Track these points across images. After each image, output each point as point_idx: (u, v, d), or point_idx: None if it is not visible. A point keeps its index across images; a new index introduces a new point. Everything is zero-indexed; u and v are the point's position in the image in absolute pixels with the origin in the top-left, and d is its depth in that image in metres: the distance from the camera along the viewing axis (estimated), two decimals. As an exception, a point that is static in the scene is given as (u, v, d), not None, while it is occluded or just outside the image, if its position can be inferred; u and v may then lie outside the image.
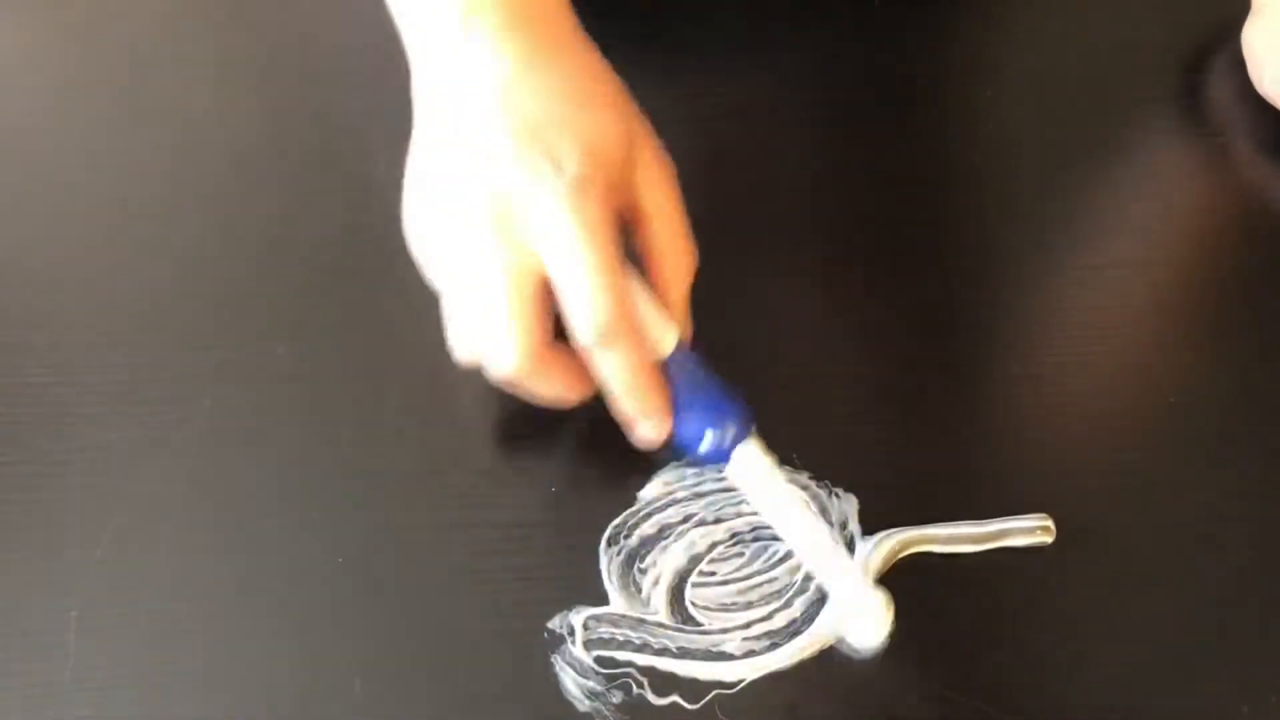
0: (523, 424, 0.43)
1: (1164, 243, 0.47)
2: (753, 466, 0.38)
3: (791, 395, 0.43)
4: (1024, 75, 0.53)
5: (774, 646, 0.38)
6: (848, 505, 0.40)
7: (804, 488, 0.40)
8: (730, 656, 0.37)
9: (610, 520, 0.40)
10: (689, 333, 0.40)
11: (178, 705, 0.37)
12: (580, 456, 0.42)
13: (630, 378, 0.37)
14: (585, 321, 0.36)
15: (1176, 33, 0.53)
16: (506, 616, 0.38)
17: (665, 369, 0.38)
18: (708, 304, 0.44)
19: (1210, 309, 0.46)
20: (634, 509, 0.40)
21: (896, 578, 0.39)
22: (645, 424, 0.38)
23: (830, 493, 0.40)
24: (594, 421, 0.43)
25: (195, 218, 0.48)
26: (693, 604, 0.39)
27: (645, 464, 0.41)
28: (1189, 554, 0.40)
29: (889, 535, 0.39)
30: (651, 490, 0.40)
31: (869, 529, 0.40)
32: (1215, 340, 0.45)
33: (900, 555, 0.39)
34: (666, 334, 0.38)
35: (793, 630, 0.38)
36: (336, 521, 0.40)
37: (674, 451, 0.39)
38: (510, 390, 0.39)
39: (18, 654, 0.38)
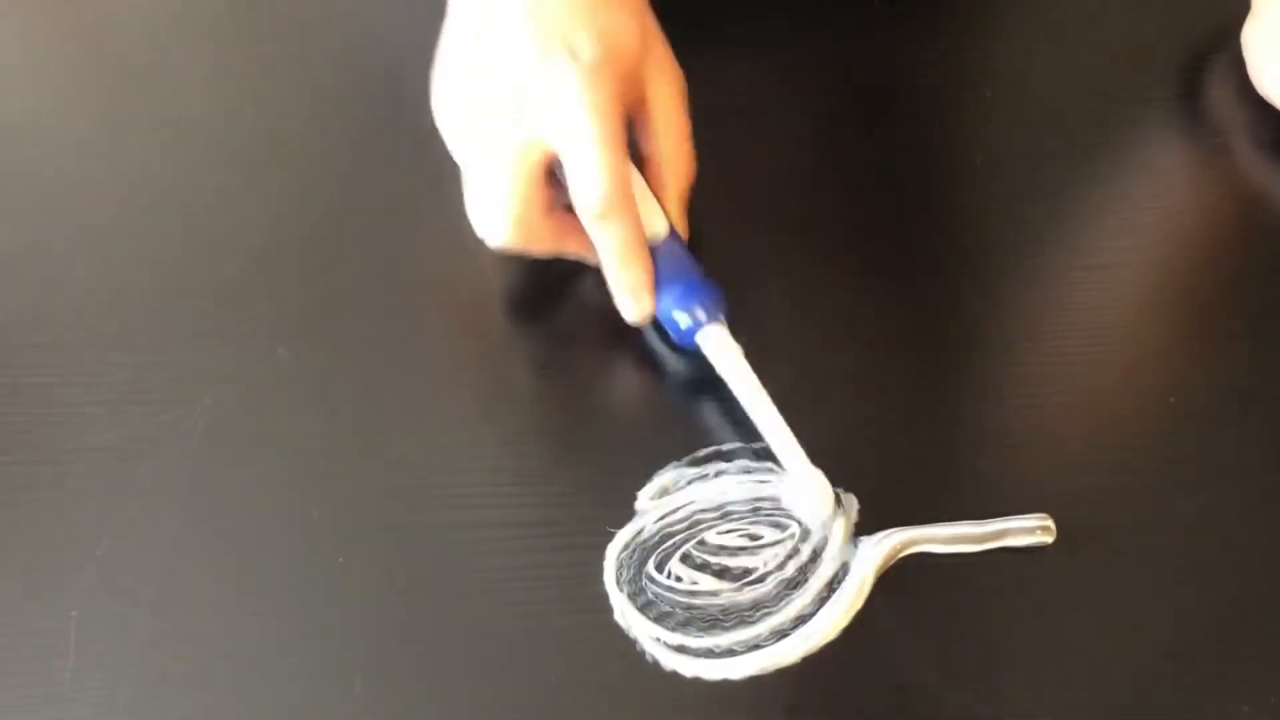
0: (523, 424, 0.43)
1: (1164, 243, 0.47)
2: (718, 347, 0.41)
3: (791, 395, 0.43)
4: (1024, 76, 0.53)
5: (781, 638, 0.38)
6: (848, 505, 0.40)
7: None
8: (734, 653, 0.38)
9: (609, 522, 0.40)
10: (684, 230, 0.43)
11: (178, 705, 0.37)
12: (581, 457, 0.42)
13: (624, 249, 0.40)
14: (588, 193, 0.39)
15: (1176, 33, 0.53)
16: (507, 616, 0.38)
17: (654, 250, 0.42)
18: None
19: (1210, 309, 0.46)
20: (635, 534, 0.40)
21: (896, 578, 0.39)
22: (631, 298, 0.41)
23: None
24: (595, 422, 0.43)
25: (195, 218, 0.48)
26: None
27: (645, 465, 0.41)
28: (1189, 554, 0.40)
29: (889, 535, 0.39)
30: (650, 491, 0.40)
31: (869, 529, 0.40)
32: (1215, 340, 0.45)
33: (900, 555, 0.39)
34: (656, 219, 0.42)
35: (801, 619, 0.38)
36: (336, 521, 0.40)
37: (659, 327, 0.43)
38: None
39: (18, 654, 0.38)
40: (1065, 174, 0.48)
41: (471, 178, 0.41)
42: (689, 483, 0.41)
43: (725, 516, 0.40)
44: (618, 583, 0.39)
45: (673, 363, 0.43)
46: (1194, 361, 0.44)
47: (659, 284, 0.42)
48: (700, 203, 0.44)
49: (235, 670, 0.37)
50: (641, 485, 0.41)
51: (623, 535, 0.40)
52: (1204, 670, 0.37)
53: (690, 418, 0.42)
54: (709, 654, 0.38)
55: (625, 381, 0.44)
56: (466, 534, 0.40)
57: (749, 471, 0.41)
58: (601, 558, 0.39)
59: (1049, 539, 0.39)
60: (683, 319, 0.41)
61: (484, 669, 0.38)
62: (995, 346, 0.44)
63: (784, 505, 0.40)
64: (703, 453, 0.41)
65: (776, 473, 0.41)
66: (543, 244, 0.42)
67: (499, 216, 0.41)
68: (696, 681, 0.37)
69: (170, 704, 0.37)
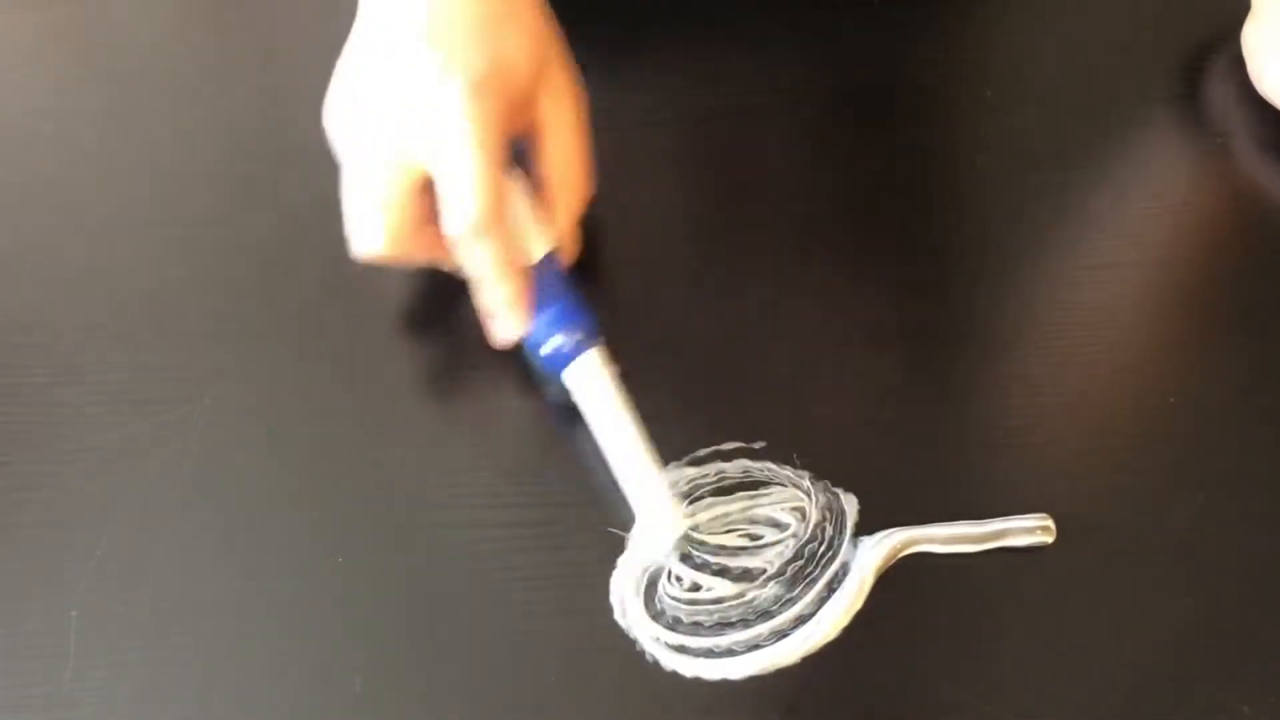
0: (523, 424, 0.43)
1: (1164, 243, 0.47)
2: (590, 375, 0.40)
3: (790, 395, 0.43)
4: (1024, 75, 0.53)
5: (780, 638, 0.38)
6: (848, 505, 0.40)
7: (806, 491, 0.40)
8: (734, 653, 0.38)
9: (608, 524, 0.40)
10: (572, 252, 0.43)
11: (178, 705, 0.37)
12: (581, 457, 0.42)
13: (494, 271, 0.40)
14: (456, 213, 0.39)
15: (1176, 33, 0.53)
16: (506, 616, 0.38)
17: (531, 272, 0.41)
18: (707, 303, 0.45)
19: (1210, 309, 0.46)
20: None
21: (897, 578, 0.39)
22: (503, 318, 0.41)
23: (831, 492, 0.40)
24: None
25: (195, 218, 0.48)
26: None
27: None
28: (1189, 554, 0.40)
29: (889, 535, 0.39)
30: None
31: (869, 529, 0.40)
32: (1215, 340, 0.45)
33: (900, 555, 0.39)
34: (537, 242, 0.41)
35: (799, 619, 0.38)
36: (336, 521, 0.40)
37: (528, 355, 0.42)
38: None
39: (18, 654, 0.38)
40: (1065, 174, 0.48)
41: (349, 185, 0.41)
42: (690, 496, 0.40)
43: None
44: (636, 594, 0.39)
45: (674, 362, 0.43)
46: (1194, 361, 0.44)
47: (537, 304, 0.41)
48: (698, 203, 0.44)
49: (235, 670, 0.37)
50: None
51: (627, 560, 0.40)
52: (1204, 670, 0.37)
53: (690, 417, 0.42)
54: (709, 654, 0.38)
55: (625, 381, 0.44)
56: (466, 534, 0.40)
57: (748, 483, 0.41)
58: (600, 558, 0.39)
59: (1049, 539, 0.39)
60: (554, 342, 0.40)
61: (484, 669, 0.38)
62: (995, 346, 0.44)
63: (630, 541, 0.39)
64: (703, 452, 0.41)
65: (774, 470, 0.40)
66: (413, 257, 0.42)
67: (372, 228, 0.40)
68: (696, 681, 0.37)
69: (170, 704, 0.37)
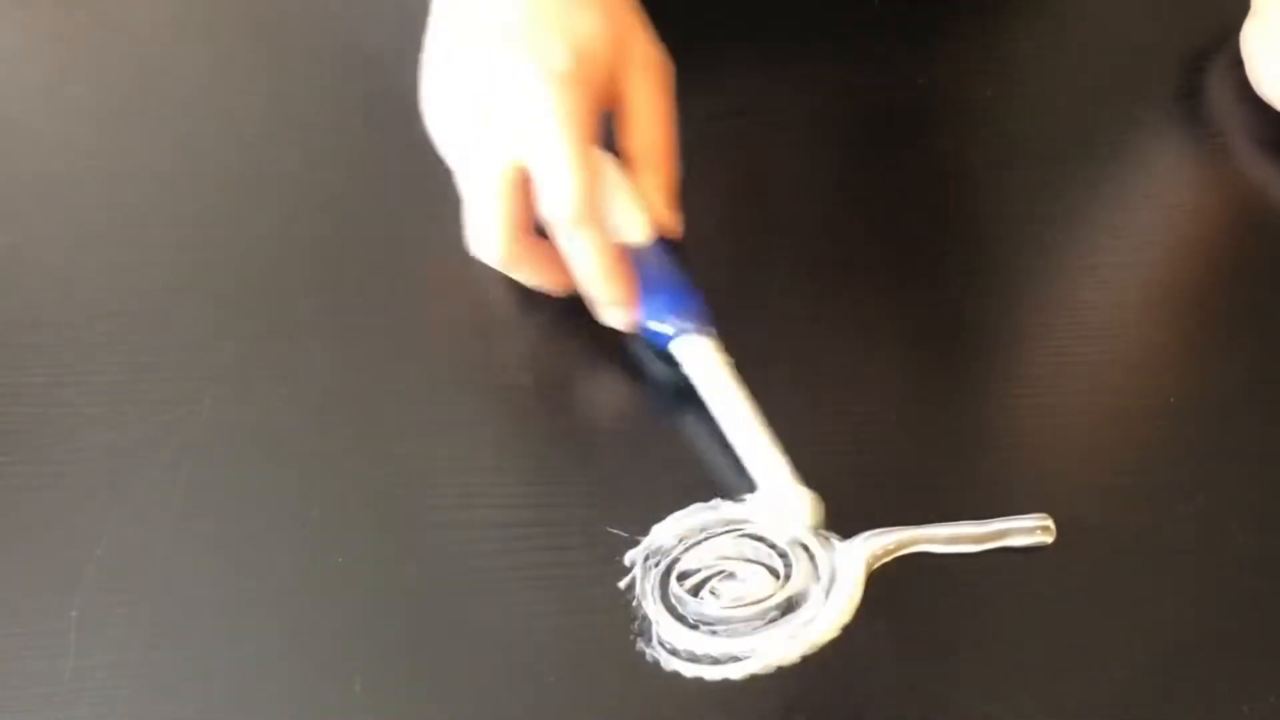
0: (523, 424, 0.43)
1: (1164, 243, 0.47)
2: (703, 358, 0.40)
3: (790, 395, 0.43)
4: (1024, 75, 0.53)
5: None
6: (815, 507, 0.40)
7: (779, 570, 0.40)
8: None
9: (609, 523, 0.40)
10: (674, 224, 0.43)
11: (178, 705, 0.37)
12: (581, 457, 0.42)
13: (596, 262, 0.40)
14: (553, 204, 0.39)
15: (1176, 33, 0.53)
16: (507, 616, 0.38)
17: (638, 255, 0.41)
18: (707, 303, 0.45)
19: (1210, 309, 0.46)
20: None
21: (897, 578, 0.39)
22: (609, 308, 0.41)
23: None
24: (596, 422, 0.43)
25: (196, 217, 0.48)
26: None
27: (645, 464, 0.41)
28: (1189, 554, 0.40)
29: (889, 534, 0.39)
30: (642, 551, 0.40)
31: (869, 528, 0.40)
32: (1215, 340, 0.45)
33: (900, 555, 0.39)
34: (637, 224, 0.41)
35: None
36: (336, 521, 0.40)
37: (641, 335, 0.42)
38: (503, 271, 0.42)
39: (18, 654, 0.38)
40: (1065, 174, 0.48)
41: (465, 188, 0.41)
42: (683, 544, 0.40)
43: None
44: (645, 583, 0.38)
45: (674, 363, 0.43)
46: (1194, 361, 0.44)
47: (650, 286, 0.41)
48: (699, 203, 0.44)
49: (235, 671, 0.37)
50: (641, 484, 0.41)
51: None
52: (1204, 670, 0.37)
53: (691, 416, 0.42)
54: (713, 661, 0.37)
55: (626, 381, 0.44)
56: (466, 534, 0.40)
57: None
58: (601, 558, 0.39)
59: (1049, 539, 0.39)
60: (662, 329, 0.41)
61: (484, 670, 0.38)
62: (995, 346, 0.44)
63: (758, 525, 0.39)
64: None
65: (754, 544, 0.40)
66: (528, 269, 0.42)
67: (489, 238, 0.41)
68: (696, 681, 0.37)
69: (170, 704, 0.37)
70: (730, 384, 0.40)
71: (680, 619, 0.38)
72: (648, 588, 0.39)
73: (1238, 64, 0.51)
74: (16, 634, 0.38)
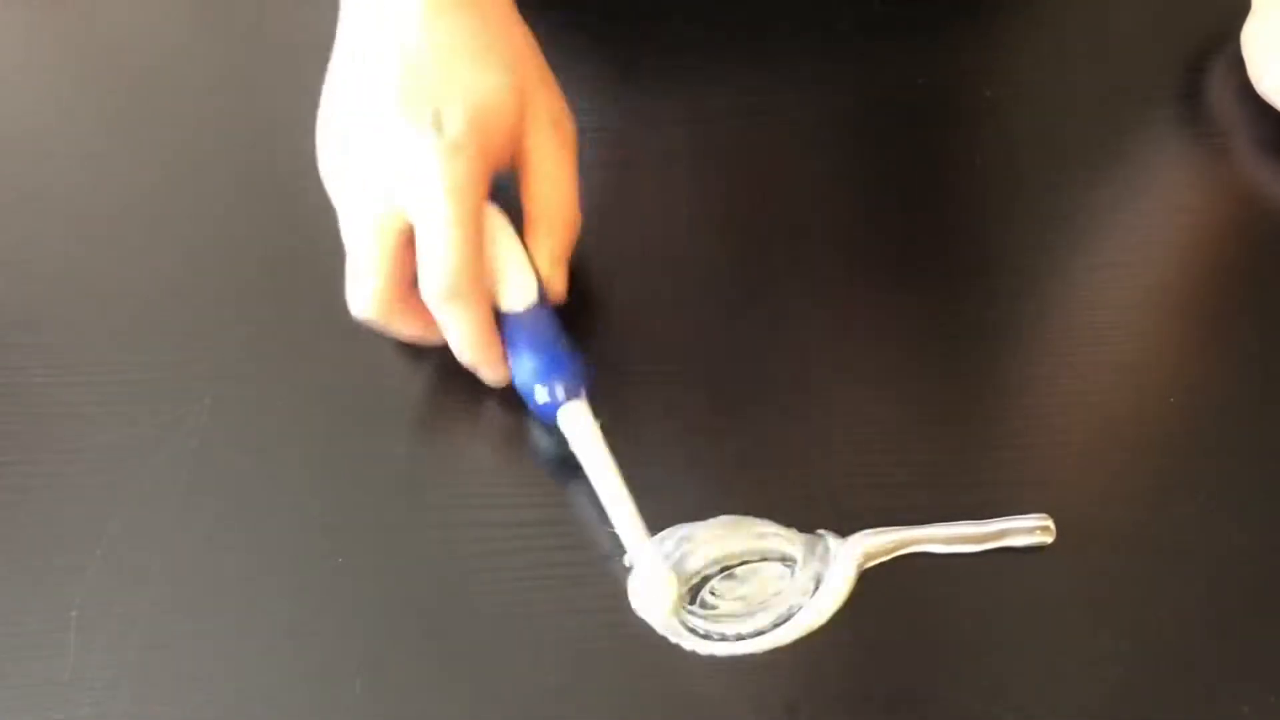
0: (523, 424, 0.43)
1: (1164, 243, 0.47)
2: (577, 425, 0.40)
3: (790, 395, 0.43)
4: (1024, 76, 0.53)
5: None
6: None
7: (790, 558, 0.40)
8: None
9: (609, 522, 0.40)
10: (560, 290, 0.42)
11: (178, 705, 0.37)
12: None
13: (464, 334, 0.40)
14: (430, 279, 0.38)
15: (1176, 33, 0.53)
16: (507, 617, 0.38)
17: (515, 321, 0.40)
18: (705, 303, 0.45)
19: (1210, 309, 0.46)
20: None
21: (897, 578, 0.39)
22: (482, 372, 0.41)
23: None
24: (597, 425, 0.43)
25: (195, 217, 0.48)
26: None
27: (645, 464, 0.41)
28: (1189, 554, 0.40)
29: (888, 534, 0.39)
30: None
31: (869, 528, 0.40)
32: (1215, 340, 0.45)
33: (900, 555, 0.39)
34: (522, 289, 0.41)
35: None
36: (336, 521, 0.40)
37: (520, 395, 0.41)
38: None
39: (18, 654, 0.38)
40: (1065, 174, 0.48)
41: (345, 238, 0.40)
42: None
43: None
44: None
45: (675, 361, 0.43)
46: (1194, 361, 0.44)
47: (518, 354, 0.40)
48: (699, 203, 0.44)
49: (235, 671, 0.37)
50: (641, 485, 0.41)
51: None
52: (1204, 670, 0.37)
53: (691, 417, 0.42)
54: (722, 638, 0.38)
55: (626, 381, 0.44)
56: (466, 534, 0.40)
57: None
58: (601, 558, 0.39)
59: (1049, 539, 0.39)
60: (540, 395, 0.40)
61: (484, 670, 0.38)
62: (995, 346, 0.44)
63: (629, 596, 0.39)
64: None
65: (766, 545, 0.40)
66: (402, 327, 0.41)
67: (365, 289, 0.39)
68: (696, 681, 0.37)
69: (170, 704, 0.37)
70: (602, 451, 0.40)
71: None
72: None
73: (1238, 64, 0.51)
74: (16, 634, 0.38)
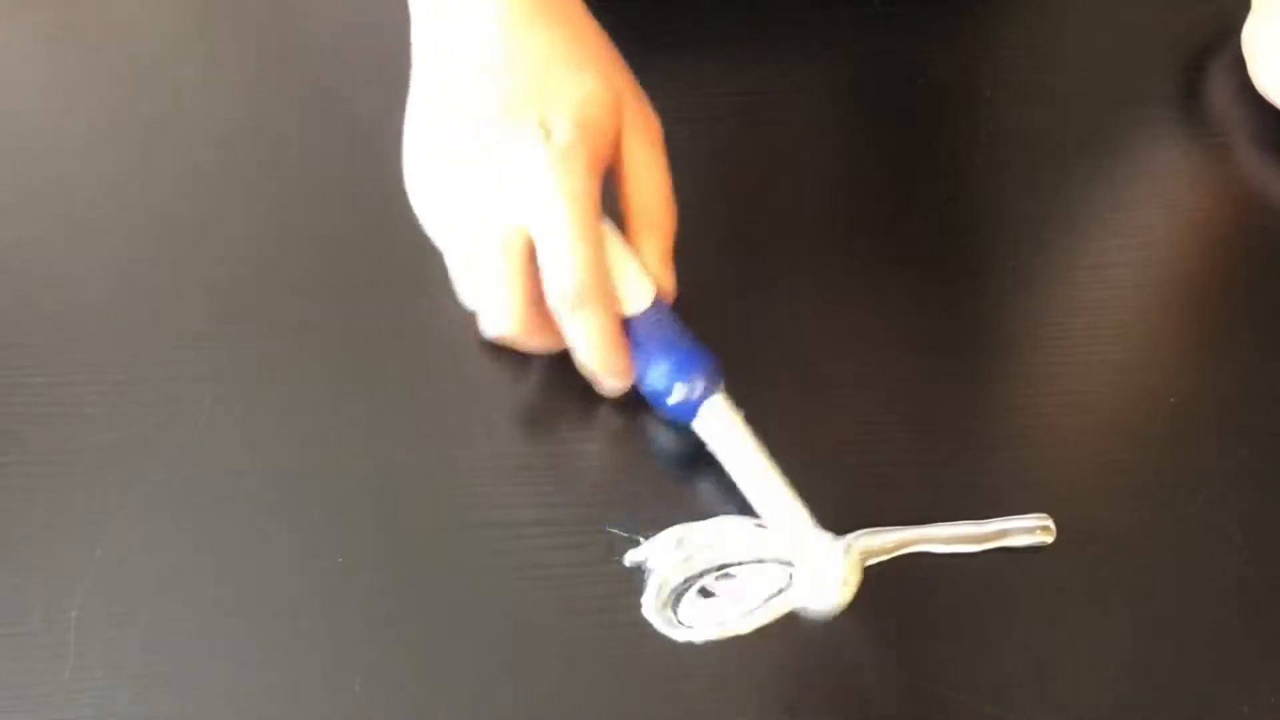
0: (525, 424, 0.43)
1: (1164, 243, 0.47)
2: (719, 422, 0.39)
3: (790, 394, 0.43)
4: (1024, 75, 0.53)
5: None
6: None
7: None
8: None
9: (609, 522, 0.40)
10: (670, 287, 0.42)
11: (177, 705, 0.37)
12: (583, 457, 0.42)
13: (594, 341, 0.39)
14: (556, 287, 0.38)
15: (1176, 33, 0.53)
16: (507, 617, 0.38)
17: (639, 323, 0.40)
18: (708, 302, 0.45)
19: (1210, 309, 0.46)
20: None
21: (897, 578, 0.39)
22: (608, 381, 0.40)
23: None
24: (596, 422, 0.43)
25: (195, 217, 0.48)
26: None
27: (645, 463, 0.41)
28: (1189, 554, 0.40)
29: (888, 534, 0.39)
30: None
31: (869, 528, 0.40)
32: (1215, 340, 0.45)
33: (900, 555, 0.39)
34: (641, 291, 0.40)
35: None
36: (336, 521, 0.40)
37: (650, 401, 0.41)
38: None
39: (18, 654, 0.38)
40: (1065, 174, 0.48)
41: (460, 265, 0.40)
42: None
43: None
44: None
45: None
46: (1194, 361, 0.44)
47: (647, 356, 0.40)
48: (699, 203, 0.44)
49: (235, 671, 0.37)
50: (641, 485, 0.41)
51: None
52: (1204, 670, 0.38)
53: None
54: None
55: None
56: (466, 534, 0.40)
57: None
58: (601, 558, 0.39)
59: (1049, 539, 0.39)
60: (679, 393, 0.39)
61: (484, 670, 0.38)
62: (995, 346, 0.44)
63: (792, 586, 0.38)
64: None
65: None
66: (537, 339, 0.40)
67: (501, 305, 0.39)
68: (695, 682, 0.37)
69: (170, 704, 0.37)
70: (750, 443, 0.39)
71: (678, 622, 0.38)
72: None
73: (1238, 64, 0.51)
74: (16, 634, 0.38)
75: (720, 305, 0.45)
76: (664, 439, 0.42)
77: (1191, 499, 0.40)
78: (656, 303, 0.41)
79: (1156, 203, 0.48)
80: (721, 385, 0.40)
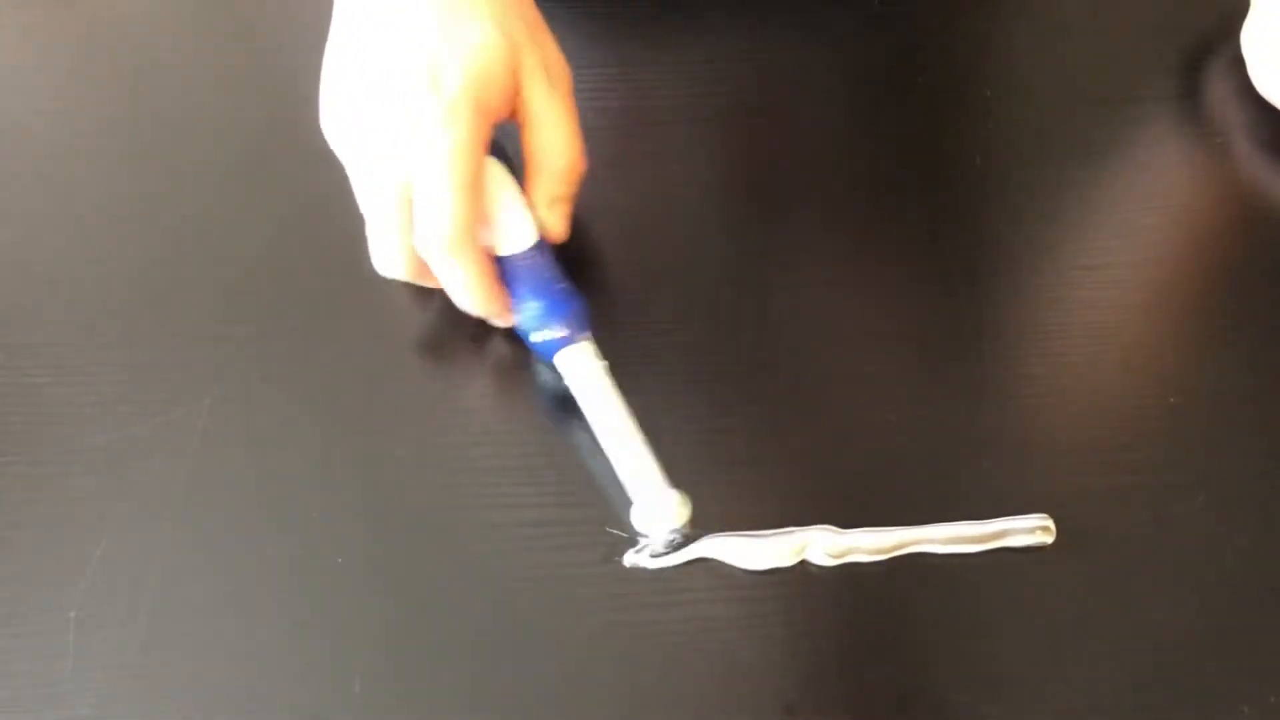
0: (523, 423, 0.43)
1: (1164, 243, 0.47)
2: (580, 367, 0.41)
3: (790, 393, 0.43)
4: (1024, 75, 0.53)
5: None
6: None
7: None
8: None
9: (609, 522, 0.40)
10: (558, 231, 0.43)
11: (177, 705, 0.37)
12: (583, 456, 0.42)
13: (463, 286, 0.41)
14: (425, 235, 0.39)
15: (1176, 33, 0.53)
16: (507, 616, 0.38)
17: (515, 263, 0.42)
18: (705, 302, 0.45)
19: (1210, 309, 0.46)
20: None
21: (897, 578, 0.39)
22: (491, 320, 0.43)
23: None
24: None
25: (195, 217, 0.48)
26: None
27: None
28: (1189, 554, 0.40)
29: (888, 534, 0.39)
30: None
31: (869, 527, 0.40)
32: (1215, 340, 0.45)
33: (900, 555, 0.39)
34: (521, 233, 0.42)
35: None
36: (336, 521, 0.40)
37: (522, 338, 0.43)
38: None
39: (18, 654, 0.38)
40: (1065, 174, 0.48)
41: (362, 204, 0.41)
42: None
43: None
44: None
45: (674, 359, 0.43)
46: (1194, 361, 0.44)
47: (520, 297, 0.42)
48: (699, 202, 0.44)
49: (235, 671, 0.37)
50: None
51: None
52: (1204, 670, 0.38)
53: (690, 416, 0.42)
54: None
55: (626, 380, 0.44)
56: (467, 534, 0.40)
57: None
58: (600, 558, 0.39)
59: (1049, 539, 0.39)
60: (540, 335, 0.42)
61: (483, 670, 0.38)
62: (995, 346, 0.44)
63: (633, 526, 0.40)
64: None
65: None
66: (428, 280, 0.42)
67: (390, 249, 0.41)
68: (695, 682, 0.37)
69: (169, 705, 0.37)
70: (604, 391, 0.41)
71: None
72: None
73: (1238, 64, 0.51)
74: (16, 634, 0.38)
75: (719, 303, 0.45)
76: (664, 439, 0.42)
77: (1191, 499, 0.40)
78: (539, 245, 0.42)
79: (1156, 203, 0.48)
80: (588, 333, 0.42)
